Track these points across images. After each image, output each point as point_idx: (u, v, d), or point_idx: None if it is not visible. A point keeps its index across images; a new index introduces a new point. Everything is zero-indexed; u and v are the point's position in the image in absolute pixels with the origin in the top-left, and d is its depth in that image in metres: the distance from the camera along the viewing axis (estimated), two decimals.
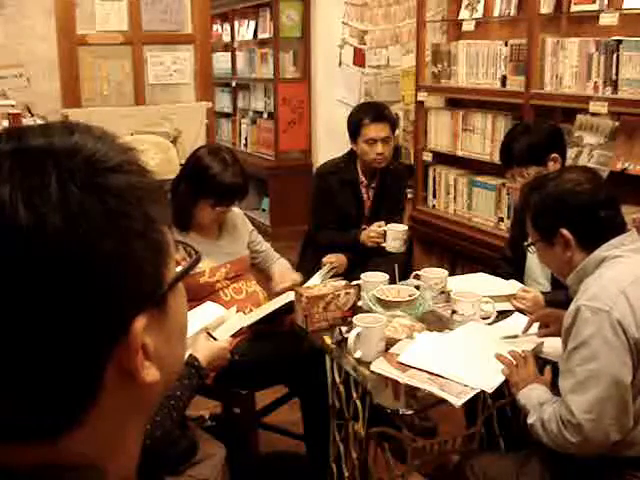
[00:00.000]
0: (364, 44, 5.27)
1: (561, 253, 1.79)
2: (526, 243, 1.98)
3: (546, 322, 2.05)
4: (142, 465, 0.60)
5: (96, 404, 0.52)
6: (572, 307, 1.67)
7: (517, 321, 2.22)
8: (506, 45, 3.57)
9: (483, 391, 1.85)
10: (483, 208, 3.85)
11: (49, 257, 0.48)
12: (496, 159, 3.16)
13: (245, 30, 6.74)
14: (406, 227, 3.16)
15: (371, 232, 3.10)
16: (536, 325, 2.07)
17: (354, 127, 3.16)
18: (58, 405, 0.51)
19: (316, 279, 2.72)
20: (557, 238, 1.79)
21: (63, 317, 0.48)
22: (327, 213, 3.22)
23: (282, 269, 2.69)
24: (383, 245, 3.07)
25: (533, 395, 1.77)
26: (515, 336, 2.06)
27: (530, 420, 1.74)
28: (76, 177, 0.50)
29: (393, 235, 3.05)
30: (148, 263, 0.53)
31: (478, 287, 2.33)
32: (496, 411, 2.28)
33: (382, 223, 3.10)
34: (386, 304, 2.19)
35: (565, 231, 1.76)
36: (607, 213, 1.76)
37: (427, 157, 4.17)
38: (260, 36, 6.41)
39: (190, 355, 1.98)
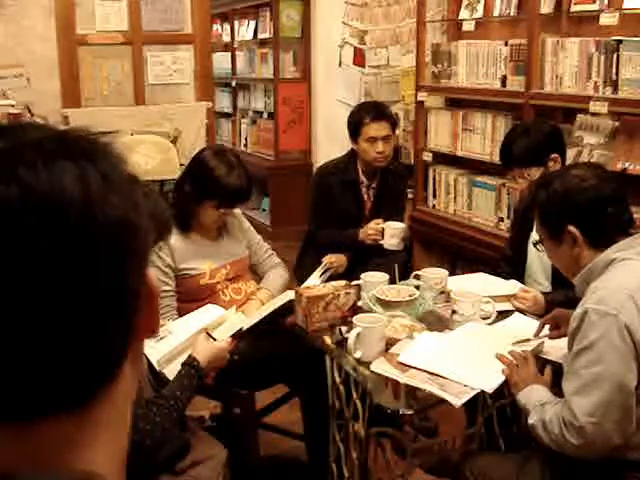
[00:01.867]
0: (364, 44, 5.27)
1: (569, 251, 1.78)
2: (534, 241, 1.97)
3: (557, 323, 2.04)
4: (134, 464, 0.61)
5: (117, 376, 0.55)
6: (579, 310, 1.66)
7: (518, 321, 2.22)
8: (506, 45, 3.57)
9: (483, 391, 1.85)
10: (483, 208, 3.85)
11: (89, 223, 0.50)
12: (496, 159, 3.16)
13: (245, 30, 6.73)
14: (404, 225, 3.15)
15: (369, 229, 3.09)
16: (547, 327, 2.06)
17: (354, 126, 3.16)
18: (91, 370, 0.52)
19: (314, 279, 2.72)
20: (564, 235, 1.77)
21: (99, 277, 0.50)
22: (327, 213, 3.21)
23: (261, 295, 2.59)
24: (381, 242, 3.06)
25: (533, 395, 1.77)
26: (527, 340, 2.04)
27: (531, 420, 1.73)
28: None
29: (391, 232, 3.04)
30: (148, 233, 0.57)
31: (478, 287, 2.33)
32: (496, 411, 2.28)
33: (380, 220, 3.10)
34: (386, 304, 2.19)
35: (572, 228, 1.74)
36: (614, 209, 1.74)
37: (427, 157, 4.16)
38: (260, 36, 6.41)
39: (189, 355, 1.98)
